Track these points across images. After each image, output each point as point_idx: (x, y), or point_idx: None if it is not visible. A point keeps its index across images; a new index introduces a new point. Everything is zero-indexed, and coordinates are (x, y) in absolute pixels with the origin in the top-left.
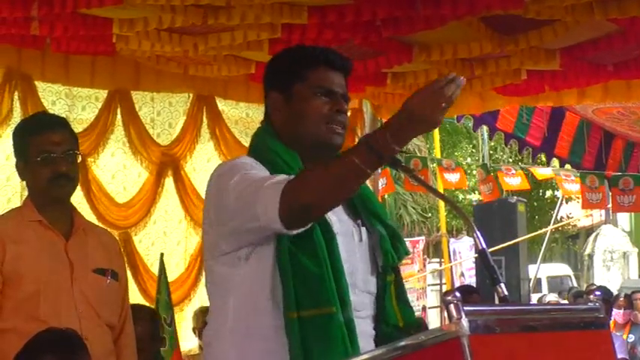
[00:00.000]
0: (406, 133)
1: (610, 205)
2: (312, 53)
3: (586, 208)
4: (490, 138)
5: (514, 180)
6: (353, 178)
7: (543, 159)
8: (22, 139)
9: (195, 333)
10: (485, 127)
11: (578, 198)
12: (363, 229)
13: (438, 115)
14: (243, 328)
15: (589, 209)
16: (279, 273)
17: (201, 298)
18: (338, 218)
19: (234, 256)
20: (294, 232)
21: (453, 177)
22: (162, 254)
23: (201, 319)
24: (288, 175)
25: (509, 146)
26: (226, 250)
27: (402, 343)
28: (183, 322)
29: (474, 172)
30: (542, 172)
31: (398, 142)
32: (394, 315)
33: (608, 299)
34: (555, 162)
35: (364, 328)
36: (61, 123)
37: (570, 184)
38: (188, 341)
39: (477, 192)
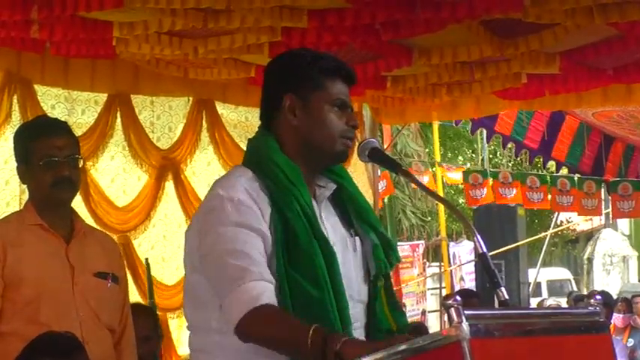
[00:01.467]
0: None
1: (607, 211)
2: (332, 64)
3: (582, 214)
4: (488, 140)
5: (508, 191)
6: (292, 348)
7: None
8: (25, 142)
9: None
10: (484, 131)
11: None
12: (357, 238)
13: None
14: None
15: (584, 215)
16: (279, 297)
17: None
18: (333, 228)
19: None
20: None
21: (456, 175)
22: (147, 259)
23: None
24: (261, 278)
25: (506, 149)
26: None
27: (402, 347)
28: (184, 325)
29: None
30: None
31: (342, 353)
32: (386, 320)
33: (609, 303)
34: (552, 166)
35: (358, 338)
36: (64, 127)
37: (564, 196)
38: (187, 345)
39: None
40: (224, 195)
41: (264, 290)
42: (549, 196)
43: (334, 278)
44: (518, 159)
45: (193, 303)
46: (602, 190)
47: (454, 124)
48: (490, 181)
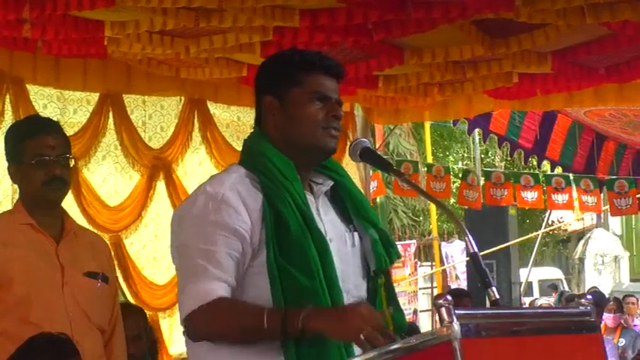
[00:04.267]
0: (319, 329)
1: (605, 208)
2: (308, 58)
3: (583, 210)
4: (483, 141)
5: (500, 192)
6: (258, 335)
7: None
8: (16, 142)
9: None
10: (476, 131)
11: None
12: (355, 233)
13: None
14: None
15: (586, 212)
16: (269, 287)
17: None
18: (332, 223)
19: None
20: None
21: (439, 186)
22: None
23: None
24: (217, 278)
25: (501, 149)
26: None
27: (394, 347)
28: (175, 325)
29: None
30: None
31: (306, 328)
32: (385, 318)
33: (600, 303)
34: (546, 165)
35: None
36: (56, 127)
37: (559, 194)
38: (178, 344)
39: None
40: (210, 191)
41: (218, 288)
42: (544, 196)
43: (327, 268)
44: (511, 158)
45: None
46: (599, 187)
47: (452, 125)
48: (482, 181)
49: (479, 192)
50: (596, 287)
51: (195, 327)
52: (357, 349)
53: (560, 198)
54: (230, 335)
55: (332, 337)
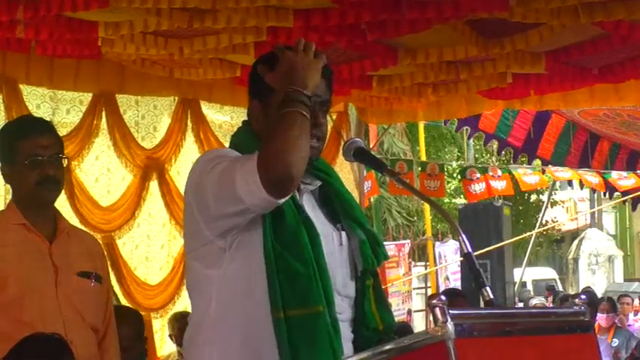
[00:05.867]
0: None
1: (606, 205)
2: None
3: (585, 185)
4: (468, 138)
5: (499, 184)
6: (305, 129)
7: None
8: (9, 142)
9: (172, 339)
10: (468, 130)
11: (563, 202)
12: (343, 233)
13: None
14: (226, 327)
15: (589, 186)
16: (265, 272)
17: (184, 302)
18: (319, 221)
19: (216, 247)
20: (281, 201)
21: (433, 184)
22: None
23: (176, 325)
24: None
25: (488, 146)
26: (210, 238)
27: (388, 347)
28: (167, 325)
29: (459, 176)
30: (527, 181)
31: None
32: (373, 318)
33: (594, 303)
34: (537, 164)
35: (343, 332)
36: (49, 127)
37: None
38: (170, 344)
39: (462, 195)
40: (215, 151)
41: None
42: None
43: (318, 256)
44: (504, 158)
45: (193, 289)
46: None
47: (443, 124)
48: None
49: (483, 181)
50: (589, 287)
51: (270, 173)
52: (347, 349)
53: (561, 175)
54: (297, 144)
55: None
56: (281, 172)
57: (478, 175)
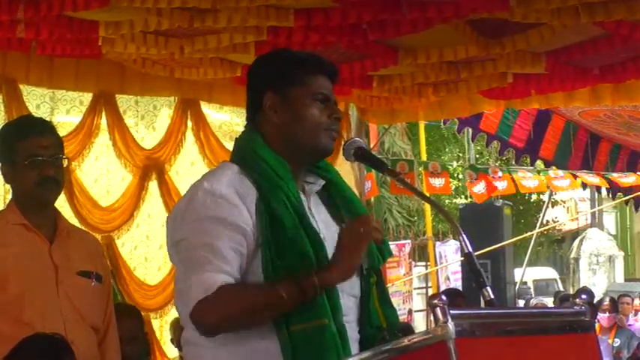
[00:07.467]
0: (332, 281)
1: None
2: (308, 58)
3: (587, 184)
4: (472, 139)
5: (500, 184)
6: (275, 308)
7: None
8: (9, 142)
9: (173, 344)
10: (470, 131)
11: (564, 202)
12: None
13: (359, 261)
14: (231, 346)
15: (590, 185)
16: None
17: None
18: (324, 223)
19: None
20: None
21: (438, 182)
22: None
23: (178, 330)
24: (220, 270)
25: (490, 147)
26: None
27: (388, 347)
28: (166, 326)
29: (460, 175)
30: (526, 185)
31: (323, 286)
32: (377, 316)
33: (593, 302)
34: (540, 165)
35: (350, 334)
36: (49, 127)
37: (559, 180)
38: (169, 345)
39: (463, 196)
40: (207, 188)
41: (221, 280)
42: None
43: (321, 265)
44: (505, 158)
45: (181, 295)
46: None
47: (442, 124)
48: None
49: (485, 179)
50: (585, 287)
51: (206, 317)
52: (353, 350)
53: (560, 183)
54: (244, 317)
55: (349, 277)
56: (211, 326)
57: (475, 176)
